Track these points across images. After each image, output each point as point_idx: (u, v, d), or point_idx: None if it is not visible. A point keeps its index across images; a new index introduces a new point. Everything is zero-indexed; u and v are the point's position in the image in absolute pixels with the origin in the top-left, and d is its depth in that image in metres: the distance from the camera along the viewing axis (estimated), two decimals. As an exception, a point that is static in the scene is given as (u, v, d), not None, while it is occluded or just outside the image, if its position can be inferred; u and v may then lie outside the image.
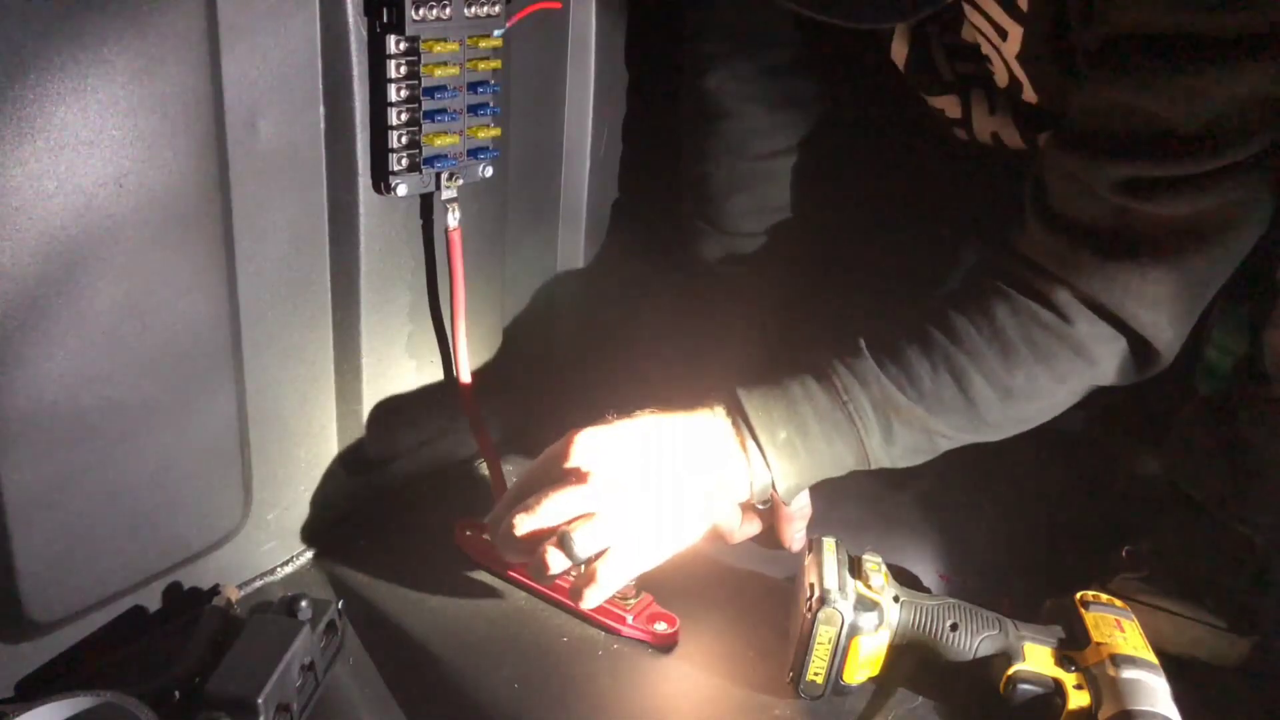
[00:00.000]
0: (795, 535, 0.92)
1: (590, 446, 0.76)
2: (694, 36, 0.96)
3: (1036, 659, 0.74)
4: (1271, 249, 0.75)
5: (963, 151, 0.95)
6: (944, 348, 0.77)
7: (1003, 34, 0.80)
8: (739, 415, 0.79)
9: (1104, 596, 0.79)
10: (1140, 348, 0.77)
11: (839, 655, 0.74)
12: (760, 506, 0.94)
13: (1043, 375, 0.77)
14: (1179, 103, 0.68)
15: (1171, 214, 0.72)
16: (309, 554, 0.91)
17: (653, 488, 0.76)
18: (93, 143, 0.64)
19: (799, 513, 0.92)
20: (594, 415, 0.80)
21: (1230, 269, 0.75)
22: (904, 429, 0.79)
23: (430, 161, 0.84)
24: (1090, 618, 0.76)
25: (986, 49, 0.84)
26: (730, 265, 0.95)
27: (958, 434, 0.80)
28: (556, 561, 0.73)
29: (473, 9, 0.82)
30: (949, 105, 0.93)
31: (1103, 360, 0.78)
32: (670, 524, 0.77)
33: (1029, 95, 0.84)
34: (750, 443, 0.78)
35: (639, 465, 0.76)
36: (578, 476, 0.75)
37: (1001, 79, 0.85)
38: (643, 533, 0.76)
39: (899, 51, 0.92)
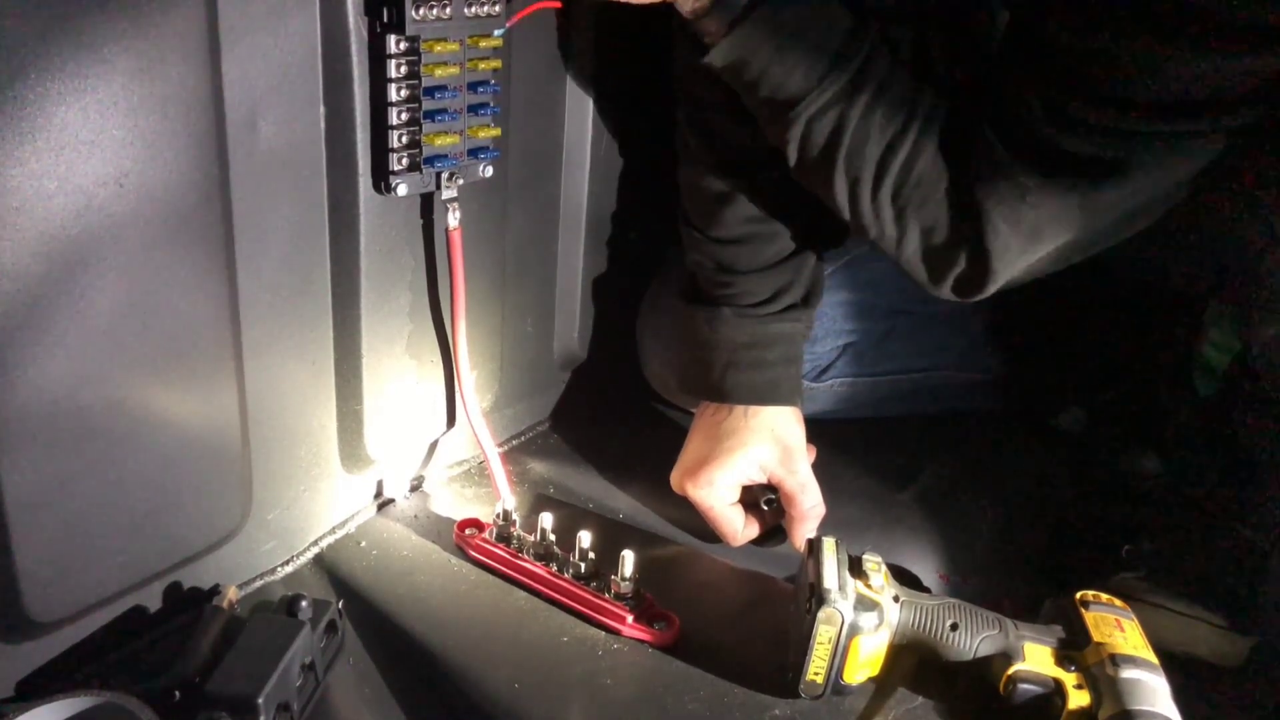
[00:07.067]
0: (807, 535, 0.92)
1: None
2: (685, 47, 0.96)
3: (1036, 659, 0.74)
4: (1257, 246, 0.76)
5: None
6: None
7: None
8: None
9: (1104, 596, 0.79)
10: (979, 257, 0.80)
11: (839, 655, 0.74)
12: (765, 506, 0.94)
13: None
14: (1143, 65, 0.69)
15: (1081, 151, 0.73)
16: (309, 554, 0.91)
17: None
18: (93, 143, 0.64)
19: (811, 512, 0.92)
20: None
21: (1111, 232, 0.78)
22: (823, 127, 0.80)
23: (430, 161, 0.85)
24: (1090, 617, 0.76)
25: None
26: (723, 272, 0.95)
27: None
28: None
29: (473, 9, 0.82)
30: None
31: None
32: None
33: (999, 34, 0.83)
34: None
35: None
36: None
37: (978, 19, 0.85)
38: None
39: None
